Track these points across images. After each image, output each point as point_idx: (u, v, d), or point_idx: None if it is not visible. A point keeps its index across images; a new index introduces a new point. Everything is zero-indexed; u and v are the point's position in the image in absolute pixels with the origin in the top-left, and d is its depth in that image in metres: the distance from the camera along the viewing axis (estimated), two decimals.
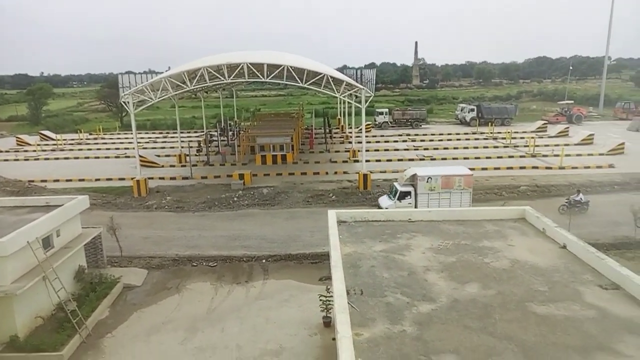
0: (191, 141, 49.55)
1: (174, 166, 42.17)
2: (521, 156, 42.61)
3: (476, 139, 52.47)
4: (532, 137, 46.44)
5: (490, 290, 10.98)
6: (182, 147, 44.41)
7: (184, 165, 41.02)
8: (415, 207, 25.28)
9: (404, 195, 25.86)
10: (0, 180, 37.04)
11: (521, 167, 38.17)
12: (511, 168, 38.04)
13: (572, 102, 70.76)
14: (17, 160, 47.81)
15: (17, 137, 58.65)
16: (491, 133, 54.68)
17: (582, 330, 9.34)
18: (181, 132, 49.72)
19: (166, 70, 41.44)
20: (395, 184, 27.14)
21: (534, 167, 38.18)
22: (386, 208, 25.76)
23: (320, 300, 16.11)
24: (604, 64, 79.13)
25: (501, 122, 61.71)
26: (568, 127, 55.00)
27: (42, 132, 62.15)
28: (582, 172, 36.31)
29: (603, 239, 22.57)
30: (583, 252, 12.61)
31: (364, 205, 29.28)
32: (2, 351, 14.79)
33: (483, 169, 37.91)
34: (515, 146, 47.14)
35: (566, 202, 26.96)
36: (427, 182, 25.28)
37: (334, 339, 14.99)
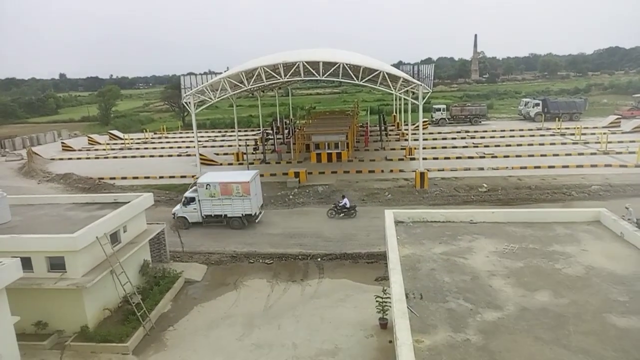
0: (248, 139, 50.54)
1: (231, 164, 43.18)
2: (592, 153, 39.85)
3: (542, 135, 49.71)
4: (604, 133, 43.31)
5: (563, 299, 10.20)
6: (240, 146, 45.36)
7: (241, 163, 41.87)
8: (200, 212, 26.38)
9: (189, 201, 26.68)
10: (74, 177, 39.50)
11: (592, 165, 35.67)
12: (581, 166, 35.63)
13: None
14: (89, 158, 50.89)
15: (88, 137, 62.49)
16: (558, 129, 51.61)
17: None
18: (239, 131, 50.84)
19: (225, 71, 42.47)
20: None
21: (606, 165, 35.56)
22: (173, 213, 26.92)
23: (377, 301, 15.78)
24: None
25: (569, 117, 58.18)
26: None
27: (111, 131, 65.87)
28: None
29: None
30: None
31: (421, 204, 28.53)
32: (73, 340, 15.69)
33: (550, 166, 35.86)
34: (585, 143, 44.21)
35: (333, 208, 27.27)
36: (207, 188, 25.96)
37: (390, 341, 14.68)
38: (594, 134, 47.56)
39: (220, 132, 66.67)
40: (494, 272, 11.64)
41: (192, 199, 26.73)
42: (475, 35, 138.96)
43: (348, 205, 27.27)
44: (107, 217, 17.41)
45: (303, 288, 19.77)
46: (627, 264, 11.75)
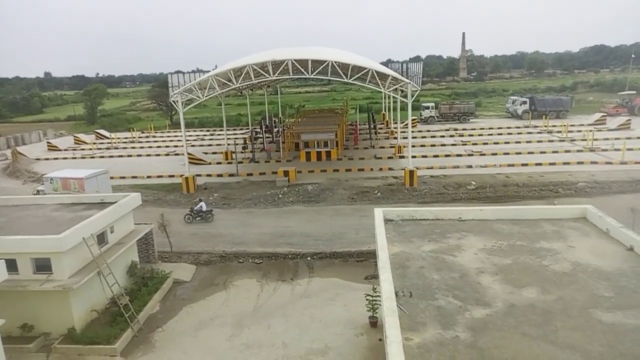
0: (237, 138, 50.30)
1: (220, 163, 42.96)
2: (578, 150, 40.35)
3: (529, 133, 50.23)
4: (590, 131, 43.88)
5: (550, 295, 10.30)
6: (228, 144, 45.15)
7: (230, 162, 41.67)
8: None
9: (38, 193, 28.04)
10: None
11: (579, 163, 36.13)
12: (568, 163, 36.08)
13: (635, 92, 66.38)
14: (75, 158, 50.25)
15: (74, 136, 61.68)
16: (545, 126, 52.17)
17: None
18: (227, 130, 50.57)
19: (213, 69, 42.18)
20: None
21: (592, 162, 36.05)
22: None
23: (367, 299, 15.80)
24: None
25: (556, 114, 58.83)
26: (630, 120, 51.63)
27: (98, 131, 65.10)
28: None
29: None
30: None
31: (410, 202, 28.66)
32: (60, 342, 15.48)
33: (537, 164, 36.22)
34: (571, 140, 44.75)
35: (189, 212, 27.21)
36: (51, 182, 27.43)
37: (380, 339, 14.70)
38: (580, 131, 48.17)
39: (208, 131, 66.24)
40: (483, 269, 11.72)
41: (41, 192, 28.30)
42: (463, 34, 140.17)
43: (204, 209, 27.29)
44: (93, 217, 17.19)
45: (293, 287, 19.73)
46: (612, 260, 11.90)
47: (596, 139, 41.75)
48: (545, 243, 13.17)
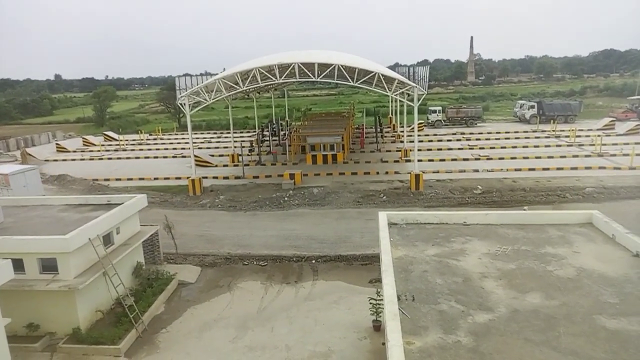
0: (244, 141, 50.49)
1: (227, 166, 43.13)
2: (587, 156, 40.05)
3: (537, 138, 49.96)
4: (599, 135, 43.59)
5: (554, 301, 10.23)
6: (235, 147, 45.33)
7: (237, 165, 41.84)
8: None
9: None
10: (68, 179, 39.32)
11: (587, 168, 35.85)
12: (576, 168, 35.82)
13: None
14: (83, 159, 50.72)
15: (83, 138, 62.23)
16: (553, 131, 51.84)
17: None
18: (234, 132, 50.80)
19: (220, 72, 42.40)
20: None
21: (600, 168, 35.76)
22: None
23: (370, 303, 15.77)
24: None
25: (564, 119, 58.45)
26: (639, 125, 51.14)
27: (106, 132, 65.65)
28: None
29: None
30: None
31: (416, 206, 28.57)
32: (65, 342, 15.59)
33: (544, 169, 36.01)
34: (580, 145, 44.41)
35: None
36: None
37: (383, 343, 14.64)
38: (588, 136, 47.83)
39: (215, 133, 66.59)
40: (486, 274, 11.66)
41: None
42: (472, 38, 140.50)
43: None
44: (100, 218, 17.32)
45: (297, 290, 19.73)
46: (618, 266, 11.79)
47: (604, 144, 41.42)
48: (550, 248, 13.08)
